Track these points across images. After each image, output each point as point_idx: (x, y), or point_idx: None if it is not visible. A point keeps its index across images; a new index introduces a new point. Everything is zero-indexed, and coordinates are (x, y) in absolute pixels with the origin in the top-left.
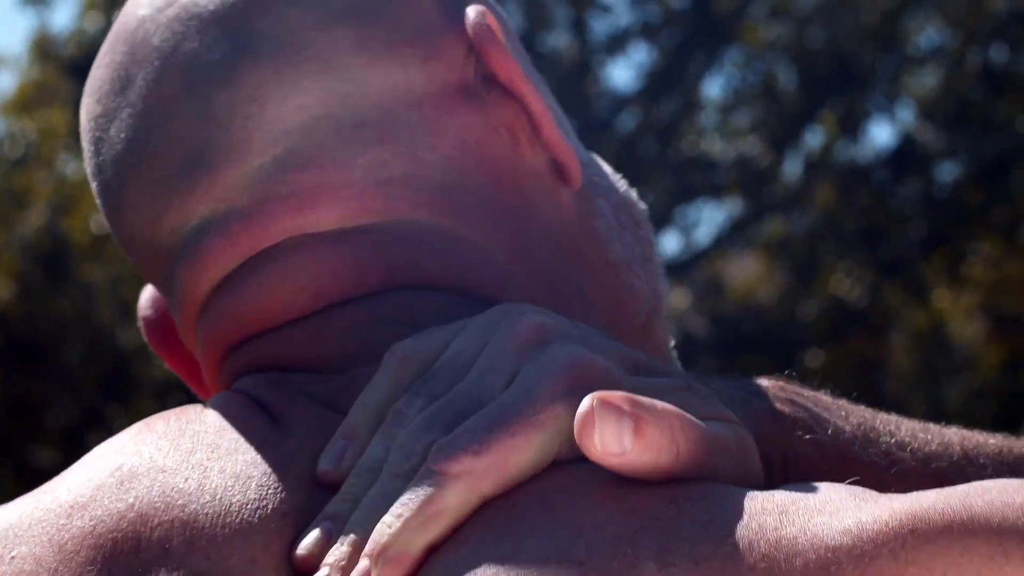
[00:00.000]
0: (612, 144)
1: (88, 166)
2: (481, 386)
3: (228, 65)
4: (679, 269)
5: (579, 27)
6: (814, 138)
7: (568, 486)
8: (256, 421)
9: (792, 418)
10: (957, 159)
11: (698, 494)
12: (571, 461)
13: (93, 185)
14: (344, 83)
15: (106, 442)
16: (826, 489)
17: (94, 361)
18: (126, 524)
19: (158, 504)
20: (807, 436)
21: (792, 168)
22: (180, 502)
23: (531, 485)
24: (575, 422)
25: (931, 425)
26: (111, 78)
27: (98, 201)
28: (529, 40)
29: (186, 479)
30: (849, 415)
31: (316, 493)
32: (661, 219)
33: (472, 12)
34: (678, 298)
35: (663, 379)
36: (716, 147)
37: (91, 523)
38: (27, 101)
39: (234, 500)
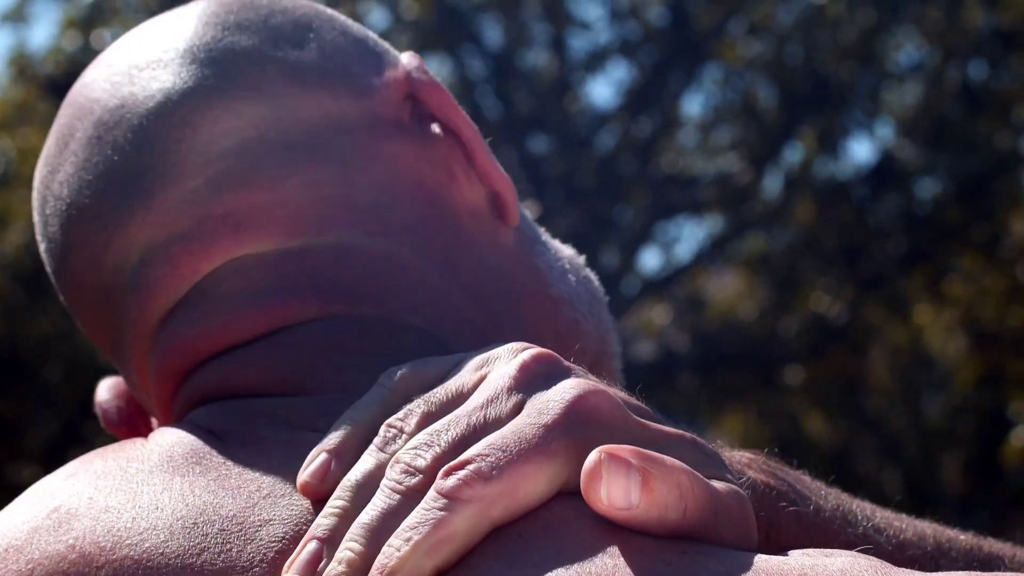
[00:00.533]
0: (592, 161)
1: (37, 233)
2: (486, 412)
3: (162, 96)
4: (659, 286)
5: (558, 45)
6: (794, 155)
7: (575, 519)
8: (212, 453)
9: (776, 490)
10: (936, 176)
11: (709, 549)
12: (577, 492)
13: (42, 249)
14: (275, 109)
15: (38, 484)
16: (842, 557)
17: (74, 379)
18: (67, 565)
19: (104, 543)
20: (790, 508)
21: (772, 185)
22: (129, 541)
23: (538, 514)
24: (582, 475)
25: (903, 515)
26: (56, 139)
27: (47, 266)
28: (509, 58)
29: (134, 518)
30: (828, 495)
31: (291, 524)
32: (641, 236)
33: (407, 56)
34: (659, 314)
35: (670, 429)
36: (696, 164)
37: (28, 566)
38: (5, 120)
39: (195, 540)
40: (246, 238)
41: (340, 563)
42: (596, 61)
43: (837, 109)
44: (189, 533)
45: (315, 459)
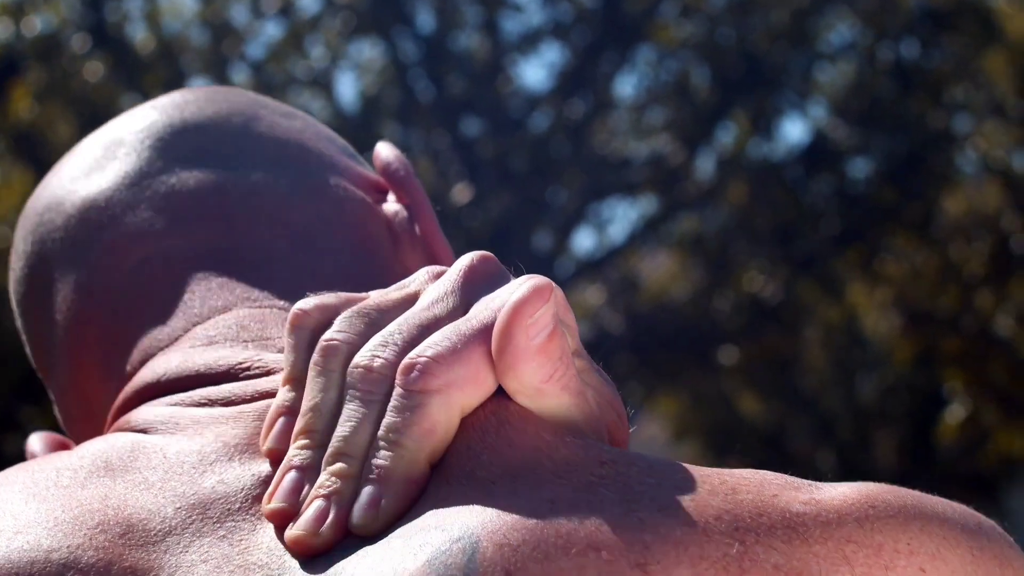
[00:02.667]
0: (525, 144)
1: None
2: (434, 311)
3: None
4: (593, 267)
5: (491, 27)
6: (726, 136)
7: (503, 425)
8: (134, 452)
9: None
10: (869, 156)
11: (627, 457)
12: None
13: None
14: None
15: None
16: (765, 473)
17: (7, 366)
18: None
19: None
20: None
21: (705, 166)
22: (9, 550)
23: (474, 421)
24: (517, 296)
25: None
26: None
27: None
28: (441, 41)
29: (18, 530)
30: None
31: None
32: (575, 217)
33: (384, 150)
34: (593, 295)
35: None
36: (629, 145)
37: None
38: None
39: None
40: (178, 231)
41: (331, 476)
42: (528, 43)
43: (770, 90)
44: (83, 535)
45: (274, 423)
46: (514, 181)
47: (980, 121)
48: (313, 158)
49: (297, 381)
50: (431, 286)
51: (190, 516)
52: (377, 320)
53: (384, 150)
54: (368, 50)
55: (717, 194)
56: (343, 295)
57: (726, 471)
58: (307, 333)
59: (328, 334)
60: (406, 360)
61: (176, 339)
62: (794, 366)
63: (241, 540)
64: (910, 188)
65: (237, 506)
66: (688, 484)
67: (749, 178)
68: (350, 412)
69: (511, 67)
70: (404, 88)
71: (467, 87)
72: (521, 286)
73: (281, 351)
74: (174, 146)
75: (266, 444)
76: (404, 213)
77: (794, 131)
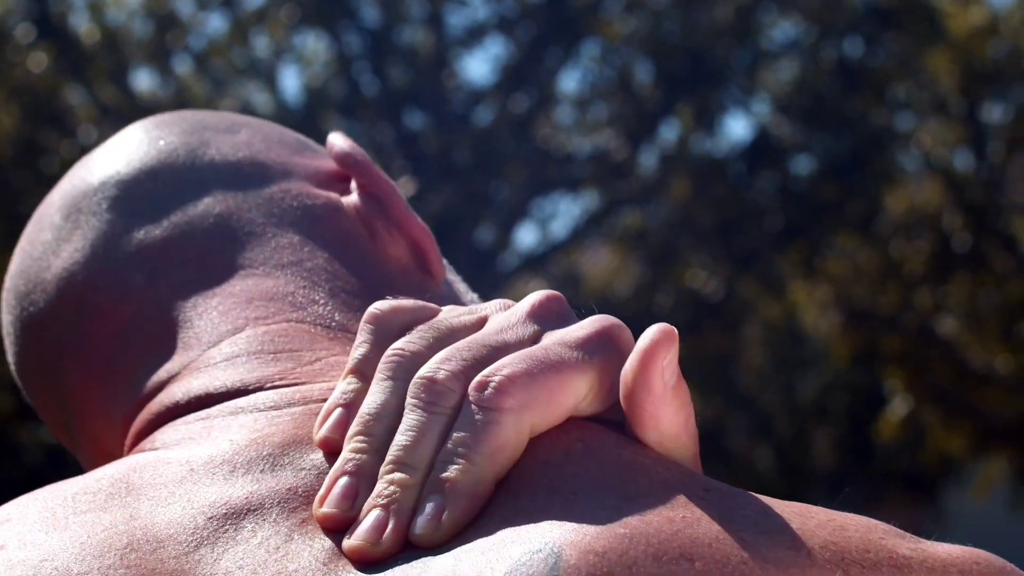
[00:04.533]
0: (469, 138)
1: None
2: (504, 336)
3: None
4: (536, 261)
5: (435, 21)
6: (670, 132)
7: (592, 448)
8: (148, 471)
9: None
10: (812, 153)
11: (725, 488)
12: (585, 418)
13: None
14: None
15: None
16: (872, 520)
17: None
18: None
19: None
20: None
21: (648, 161)
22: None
23: (553, 442)
24: (649, 339)
25: None
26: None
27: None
28: (386, 34)
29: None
30: None
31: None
32: (518, 212)
33: (336, 139)
34: (535, 290)
35: None
36: (572, 141)
37: None
38: None
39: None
40: (159, 280)
41: (390, 484)
42: (473, 37)
43: (713, 86)
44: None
45: (331, 413)
46: (457, 175)
47: (923, 119)
48: (269, 170)
49: (361, 374)
50: (501, 314)
51: (223, 525)
52: (446, 337)
53: (338, 140)
54: (312, 43)
55: (660, 190)
56: (419, 303)
57: (834, 512)
58: (381, 332)
59: (399, 343)
60: (480, 377)
61: (189, 364)
62: (734, 363)
63: (278, 548)
64: (852, 186)
65: (273, 513)
66: (794, 516)
67: (692, 174)
68: (412, 421)
69: (455, 61)
70: (348, 81)
71: (411, 81)
72: (651, 332)
73: (313, 363)
74: (130, 201)
75: (321, 432)
76: (371, 201)
77: (737, 128)
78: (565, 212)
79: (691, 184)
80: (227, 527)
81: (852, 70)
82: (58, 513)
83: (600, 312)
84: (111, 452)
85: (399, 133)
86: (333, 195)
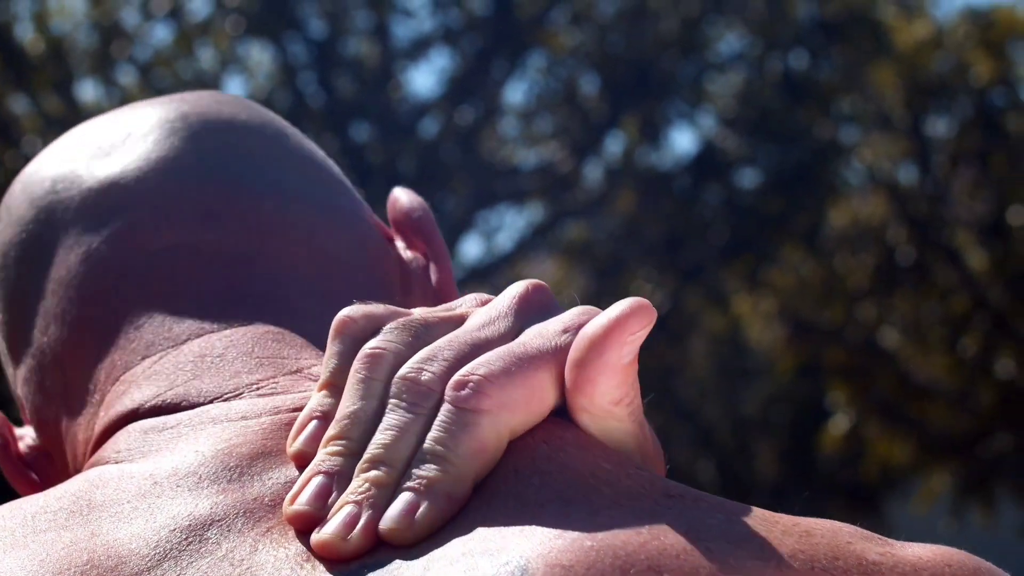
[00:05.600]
0: (414, 149)
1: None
2: (484, 333)
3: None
4: (481, 274)
5: (381, 32)
6: (615, 144)
7: (559, 452)
8: (108, 487)
9: None
10: (757, 166)
11: (693, 494)
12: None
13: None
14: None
15: None
16: (837, 522)
17: None
18: None
19: None
20: None
21: (593, 174)
22: None
23: (523, 447)
24: (624, 306)
25: None
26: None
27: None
28: (331, 45)
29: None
30: None
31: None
32: (463, 224)
33: (403, 195)
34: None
35: None
36: (518, 153)
37: None
38: None
39: None
40: (209, 227)
41: (366, 483)
42: (419, 49)
43: (659, 99)
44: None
45: (305, 426)
46: (403, 187)
47: (867, 133)
48: (337, 185)
49: (335, 387)
50: (481, 309)
51: (187, 538)
52: (423, 335)
53: (403, 195)
54: (258, 53)
55: (605, 202)
56: (390, 307)
57: (798, 517)
58: (351, 340)
59: (373, 342)
60: (457, 376)
61: (183, 342)
62: (678, 375)
63: (243, 560)
64: (797, 199)
65: (238, 524)
66: (759, 523)
67: (637, 187)
68: (392, 421)
69: (401, 73)
70: (293, 92)
71: (357, 92)
72: (627, 302)
73: (295, 372)
74: (207, 139)
75: (295, 445)
76: (421, 262)
77: (683, 140)
78: (510, 224)
79: (636, 197)
80: (191, 540)
81: (797, 83)
82: (17, 533)
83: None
84: (76, 394)
85: (344, 144)
86: (385, 239)
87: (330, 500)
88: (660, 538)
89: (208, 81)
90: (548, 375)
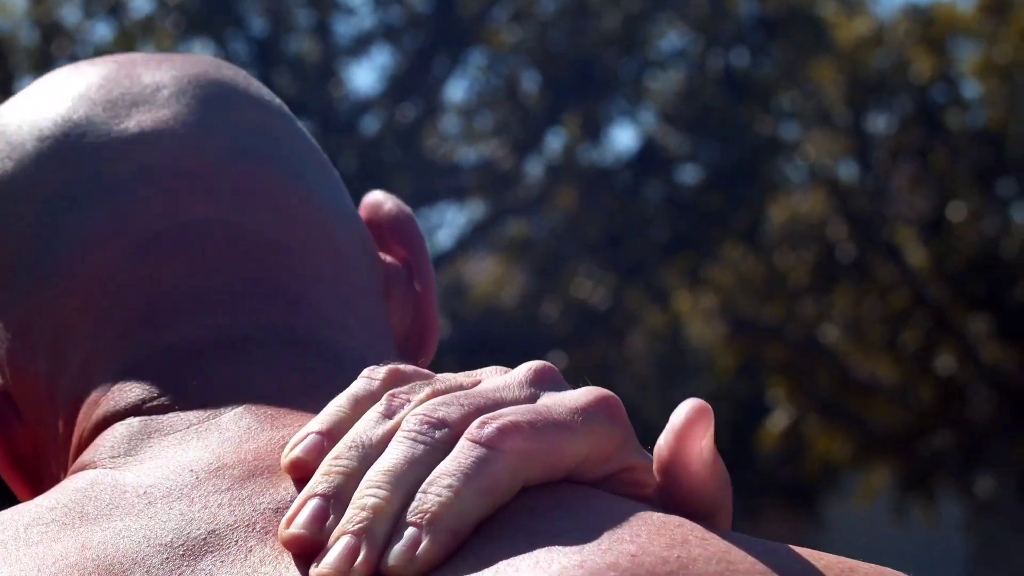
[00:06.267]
0: (355, 147)
1: None
2: (501, 395)
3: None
4: None
5: (322, 30)
6: (556, 141)
7: (584, 498)
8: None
9: None
10: (698, 163)
11: (730, 533)
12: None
13: None
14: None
15: None
16: (883, 567)
17: None
18: None
19: None
20: None
21: (534, 171)
22: None
23: (542, 492)
24: (683, 415)
25: None
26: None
27: None
28: (272, 43)
29: None
30: None
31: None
32: None
33: (382, 197)
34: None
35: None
36: (459, 150)
37: None
38: None
39: None
40: (240, 206)
41: (363, 509)
42: (360, 46)
43: (600, 96)
44: None
45: (304, 438)
46: (344, 184)
47: (808, 129)
48: (339, 180)
49: (350, 405)
50: (498, 376)
51: (179, 567)
52: (445, 392)
53: (386, 200)
54: (199, 51)
55: (546, 200)
56: (415, 368)
57: (842, 557)
58: (372, 386)
59: (396, 390)
60: (483, 416)
61: (203, 334)
62: (618, 372)
63: None
64: (738, 196)
65: (231, 554)
66: (799, 559)
67: (578, 184)
68: (397, 450)
69: (342, 70)
70: None
71: (298, 89)
72: (685, 406)
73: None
74: (241, 112)
75: (293, 453)
76: (399, 269)
77: (624, 137)
78: (451, 222)
79: (577, 194)
80: (183, 569)
81: (738, 80)
82: (10, 546)
83: (485, 322)
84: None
85: None
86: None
87: (327, 524)
88: (688, 568)
89: None
90: (570, 438)
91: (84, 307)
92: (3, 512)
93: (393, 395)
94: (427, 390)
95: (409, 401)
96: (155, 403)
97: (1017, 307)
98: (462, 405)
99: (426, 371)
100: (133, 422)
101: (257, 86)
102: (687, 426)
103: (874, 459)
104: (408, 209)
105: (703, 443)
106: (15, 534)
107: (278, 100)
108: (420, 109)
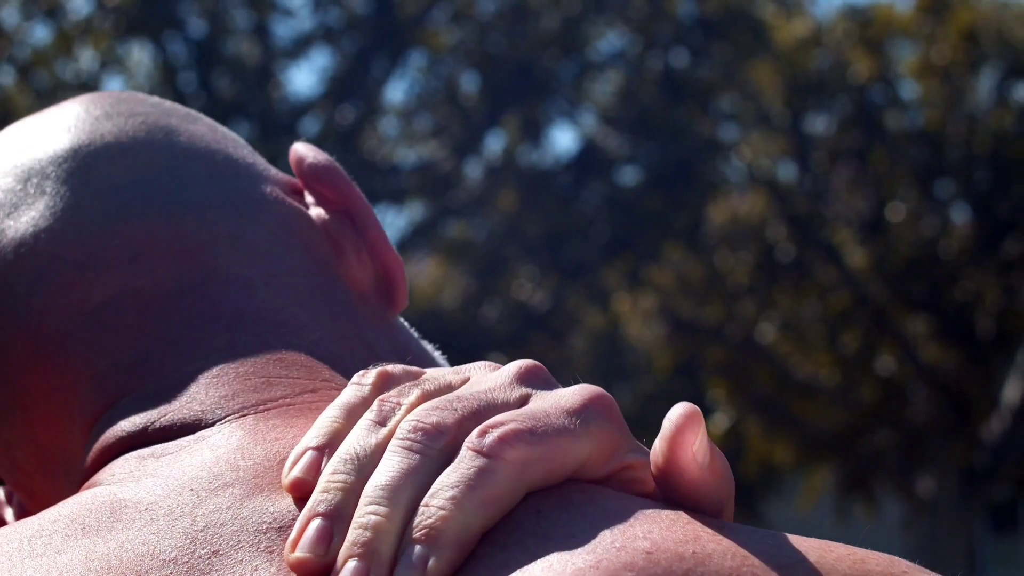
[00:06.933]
0: None
1: None
2: (494, 396)
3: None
4: None
5: (261, 31)
6: (496, 143)
7: (591, 497)
8: (128, 506)
9: None
10: (638, 164)
11: (736, 526)
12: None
13: None
14: (173, 149)
15: None
16: (892, 556)
17: None
18: None
19: None
20: None
21: (474, 173)
22: None
23: (550, 492)
24: (674, 421)
25: None
26: None
27: None
28: (212, 44)
29: None
30: None
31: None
32: None
33: (304, 149)
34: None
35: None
36: (398, 152)
37: None
38: None
39: None
40: (142, 269)
41: (366, 529)
42: (299, 48)
43: (540, 97)
44: None
45: (302, 455)
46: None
47: (747, 131)
48: (240, 168)
49: (343, 415)
50: (488, 374)
51: (186, 572)
52: (436, 392)
53: (306, 150)
54: (138, 53)
55: (486, 201)
56: (404, 367)
57: (852, 547)
58: (364, 392)
59: (387, 394)
60: (483, 425)
61: (163, 376)
62: (557, 373)
63: None
64: (678, 197)
65: (235, 567)
66: (811, 549)
67: (518, 186)
68: (393, 462)
69: (281, 72)
70: (174, 92)
71: (237, 91)
72: (675, 412)
73: (305, 393)
74: (109, 176)
75: (293, 473)
76: (340, 219)
77: (563, 139)
78: (391, 224)
79: (517, 195)
80: (190, 574)
81: (677, 81)
82: (14, 558)
83: (426, 324)
84: (51, 459)
85: None
86: (302, 207)
87: (332, 544)
88: (706, 563)
89: (88, 81)
90: (570, 443)
91: (40, 417)
92: (6, 527)
93: (384, 400)
94: (417, 393)
95: (400, 405)
96: (144, 433)
97: (956, 307)
98: (455, 409)
99: (415, 369)
100: (128, 455)
101: (127, 120)
102: (677, 432)
103: (815, 460)
104: (325, 155)
105: (696, 446)
106: (19, 546)
107: (151, 117)
108: (360, 111)
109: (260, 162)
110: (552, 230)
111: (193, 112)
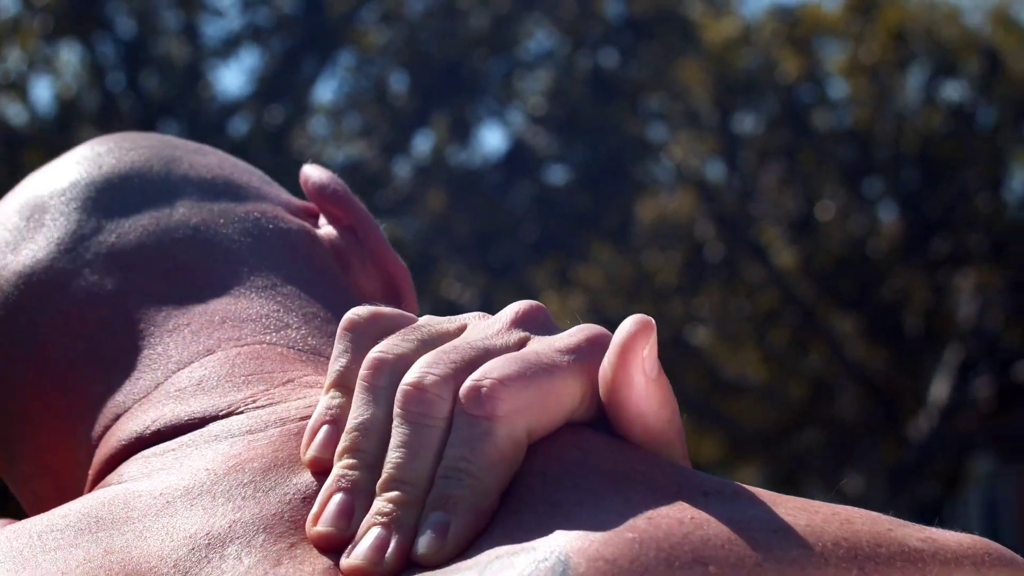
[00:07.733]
0: (224, 149)
1: None
2: (490, 341)
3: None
4: None
5: (190, 31)
6: (425, 142)
7: (585, 457)
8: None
9: None
10: (567, 163)
11: (731, 488)
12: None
13: None
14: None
15: None
16: (873, 512)
17: None
18: None
19: None
20: None
21: (403, 172)
22: None
23: (549, 450)
24: (626, 331)
25: None
26: None
27: None
28: (141, 44)
29: None
30: None
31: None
32: None
33: (311, 171)
34: None
35: None
36: (327, 151)
37: None
38: None
39: None
40: (135, 288)
41: (389, 503)
42: (228, 48)
43: (469, 97)
44: None
45: (317, 432)
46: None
47: (675, 130)
48: (242, 191)
49: (344, 387)
50: (483, 320)
51: (206, 555)
52: (429, 341)
53: (314, 172)
54: (66, 53)
55: (415, 201)
56: (398, 311)
57: (836, 505)
58: (360, 340)
59: (378, 348)
60: (469, 382)
61: (158, 386)
62: None
63: (266, 574)
64: (606, 196)
65: (259, 540)
66: (800, 512)
67: (447, 185)
68: (404, 436)
69: (210, 72)
70: (102, 92)
71: (167, 91)
72: (627, 322)
73: (284, 384)
74: (102, 202)
75: (309, 452)
76: (347, 235)
77: (492, 138)
78: None
79: (446, 195)
80: (211, 557)
81: (606, 81)
82: (25, 553)
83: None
84: (68, 487)
85: None
86: (307, 224)
87: (353, 520)
88: (703, 528)
89: (16, 81)
90: (563, 379)
91: (50, 446)
92: (12, 525)
93: (376, 357)
94: (410, 342)
95: (393, 358)
96: (146, 436)
97: (884, 306)
98: (451, 363)
99: (409, 315)
100: (134, 457)
101: (131, 144)
102: (630, 339)
103: (743, 458)
104: (332, 175)
105: (645, 354)
106: (29, 541)
107: (153, 149)
108: (289, 111)
109: (271, 189)
110: (481, 229)
111: (206, 147)
